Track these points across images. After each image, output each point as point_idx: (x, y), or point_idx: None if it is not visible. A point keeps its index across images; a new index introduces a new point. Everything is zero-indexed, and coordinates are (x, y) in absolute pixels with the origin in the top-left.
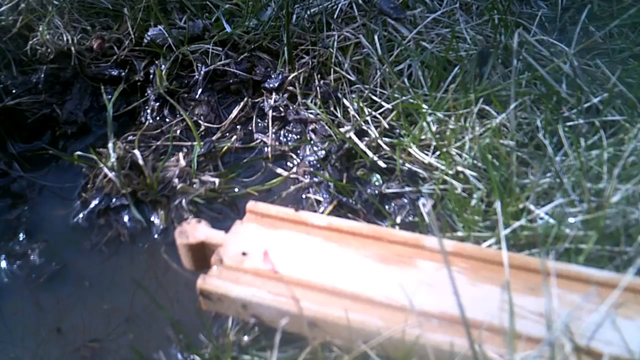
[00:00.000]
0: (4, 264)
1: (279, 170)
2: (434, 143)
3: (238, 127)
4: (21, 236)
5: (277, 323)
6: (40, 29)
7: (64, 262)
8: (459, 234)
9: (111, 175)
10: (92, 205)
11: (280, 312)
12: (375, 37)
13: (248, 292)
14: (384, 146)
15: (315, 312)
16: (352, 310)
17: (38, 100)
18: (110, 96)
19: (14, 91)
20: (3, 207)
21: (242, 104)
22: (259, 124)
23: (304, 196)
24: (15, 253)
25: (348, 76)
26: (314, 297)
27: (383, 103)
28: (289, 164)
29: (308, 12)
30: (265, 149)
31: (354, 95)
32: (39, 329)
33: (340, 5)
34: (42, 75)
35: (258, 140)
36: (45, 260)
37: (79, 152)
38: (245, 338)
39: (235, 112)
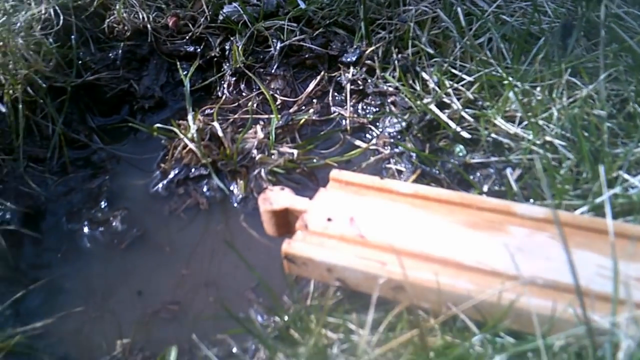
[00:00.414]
0: (86, 230)
1: (358, 142)
2: (519, 114)
3: (314, 100)
4: (103, 204)
5: (362, 287)
6: (117, 7)
7: (144, 229)
8: (549, 202)
9: (192, 145)
10: (171, 175)
11: (367, 275)
12: (456, 10)
13: (334, 255)
14: (468, 117)
15: (403, 275)
16: (441, 274)
17: (116, 76)
18: (186, 72)
19: (93, 67)
20: (84, 176)
21: (318, 78)
22: (336, 98)
23: (384, 167)
24: (97, 220)
25: (427, 49)
26: (402, 261)
27: (464, 76)
28: (367, 135)
29: None
30: (343, 121)
31: (433, 69)
32: (121, 292)
33: None
34: (120, 52)
35: (335, 113)
36: (126, 227)
37: (158, 125)
38: (329, 302)
39: (311, 86)
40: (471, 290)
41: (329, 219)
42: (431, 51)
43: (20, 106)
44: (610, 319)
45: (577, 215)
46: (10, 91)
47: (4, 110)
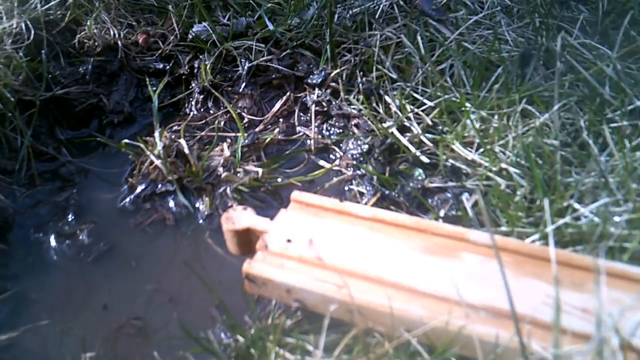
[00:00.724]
0: (53, 243)
1: (322, 163)
2: (477, 140)
3: (280, 120)
4: (70, 217)
5: (319, 308)
6: (88, 23)
7: (111, 243)
8: (503, 229)
9: (157, 162)
10: (138, 190)
11: (324, 297)
12: (418, 37)
13: (292, 277)
14: (427, 142)
15: (359, 299)
16: (395, 299)
17: (85, 90)
18: (155, 88)
19: (62, 81)
20: (52, 189)
21: (284, 98)
22: (302, 118)
23: (346, 188)
24: (64, 233)
25: (390, 74)
26: (357, 284)
27: (425, 101)
28: (331, 156)
29: (350, 12)
30: (308, 141)
31: (395, 93)
32: (86, 305)
33: (381, 5)
34: (90, 67)
35: (300, 133)
36: (93, 240)
37: (126, 140)
38: (288, 321)
39: (277, 105)
40: (423, 316)
41: (289, 240)
42: (394, 76)
43: None
44: (552, 350)
45: (527, 243)
46: None
47: None
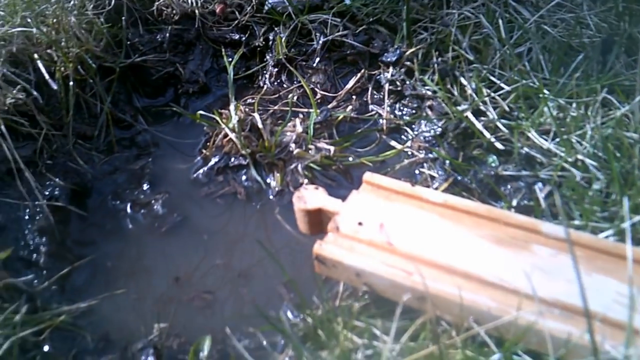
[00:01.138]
0: (129, 211)
1: (393, 143)
2: (553, 129)
3: (353, 97)
4: (145, 186)
5: (388, 293)
6: None
7: (184, 214)
8: (576, 222)
9: (232, 135)
10: (211, 162)
11: (393, 283)
12: (497, 17)
13: (362, 261)
14: (502, 128)
15: (427, 287)
16: (464, 288)
17: (162, 58)
18: (230, 59)
19: (140, 48)
20: (129, 157)
21: (358, 75)
22: (375, 96)
23: (417, 171)
24: (140, 201)
25: (466, 55)
26: (426, 271)
27: (502, 85)
28: (403, 137)
29: None
30: (380, 120)
31: (471, 75)
32: (159, 276)
33: None
34: (167, 35)
35: (373, 112)
36: (167, 211)
37: (201, 112)
38: (356, 304)
39: (351, 82)
40: (492, 307)
41: (360, 223)
42: (471, 57)
43: (71, 84)
44: (623, 349)
45: (601, 239)
46: (62, 68)
47: (55, 87)
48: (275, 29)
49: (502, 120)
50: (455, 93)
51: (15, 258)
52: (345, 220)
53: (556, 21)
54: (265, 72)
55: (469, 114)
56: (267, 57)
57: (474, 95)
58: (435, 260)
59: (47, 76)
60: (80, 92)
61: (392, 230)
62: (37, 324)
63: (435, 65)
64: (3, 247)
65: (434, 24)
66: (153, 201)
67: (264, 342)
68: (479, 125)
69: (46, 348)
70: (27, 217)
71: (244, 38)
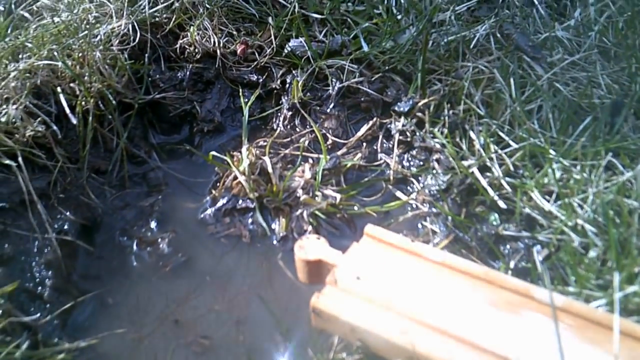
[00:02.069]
0: (135, 248)
1: (399, 194)
2: (556, 190)
3: (364, 144)
4: (153, 224)
5: (381, 351)
6: (191, 29)
7: (188, 255)
8: (571, 288)
9: (241, 179)
10: (219, 204)
11: (387, 342)
12: (510, 73)
13: (358, 317)
14: (506, 186)
15: (421, 348)
16: (456, 353)
17: (181, 96)
18: (247, 99)
19: (161, 85)
20: (140, 193)
21: (370, 123)
22: (384, 145)
23: (420, 224)
24: (146, 239)
25: (477, 109)
26: (421, 332)
27: (510, 142)
28: (409, 188)
29: (445, 39)
30: (388, 170)
31: (481, 129)
32: (160, 317)
33: (478, 35)
34: (188, 73)
35: (381, 161)
36: (172, 250)
37: (214, 152)
38: (349, 359)
39: (363, 130)
40: None
41: (358, 277)
42: (482, 112)
43: (90, 118)
44: None
45: (592, 308)
46: (83, 103)
47: (74, 121)
48: (293, 72)
49: (507, 178)
50: (464, 147)
51: (21, 290)
52: (343, 274)
53: (568, 80)
54: (279, 114)
55: (475, 170)
56: (283, 99)
57: (481, 150)
58: (430, 321)
59: (67, 110)
60: (99, 126)
61: (390, 287)
62: None
63: (446, 118)
64: (10, 279)
65: (448, 76)
66: (159, 239)
67: None
68: (483, 182)
69: None
70: (35, 250)
71: (261, 79)
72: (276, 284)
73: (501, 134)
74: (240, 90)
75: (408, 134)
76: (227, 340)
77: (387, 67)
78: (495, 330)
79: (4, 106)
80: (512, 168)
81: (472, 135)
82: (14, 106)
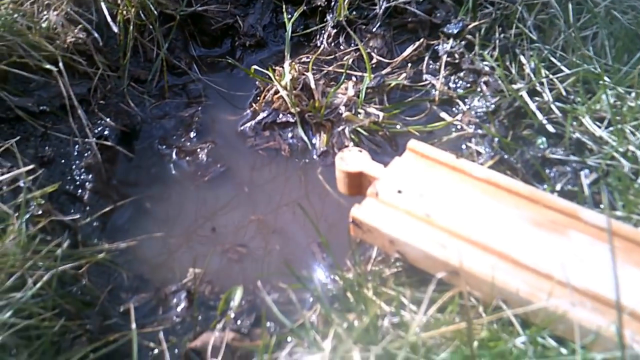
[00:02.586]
0: (174, 157)
1: (443, 115)
2: (609, 117)
3: (409, 65)
4: (192, 134)
5: (420, 263)
6: None
7: (227, 165)
8: (618, 213)
9: (283, 93)
10: (260, 117)
11: (426, 254)
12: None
13: (398, 229)
14: (556, 111)
15: (461, 262)
16: (497, 268)
17: (223, 10)
18: (290, 16)
19: None
20: (179, 104)
21: (417, 43)
22: (430, 66)
23: (464, 145)
24: (186, 149)
25: (530, 34)
26: (461, 246)
27: (562, 67)
28: (454, 110)
29: None
30: (433, 91)
31: (532, 54)
32: (197, 224)
33: None
34: None
35: (426, 82)
36: (211, 160)
37: (255, 66)
38: (387, 271)
39: (408, 50)
40: (522, 290)
41: (399, 191)
42: (534, 36)
43: (131, 28)
44: None
45: None
46: (124, 12)
47: (116, 29)
48: None
49: (557, 103)
50: (513, 71)
51: (61, 192)
52: (385, 187)
53: (627, 8)
54: (323, 32)
55: (524, 94)
56: (327, 17)
57: (531, 75)
58: (471, 236)
59: (108, 18)
60: (139, 36)
61: (431, 201)
62: (77, 258)
63: (497, 41)
64: (50, 181)
65: (501, 0)
66: (199, 150)
67: (293, 298)
68: (532, 106)
69: (84, 282)
70: (75, 153)
71: None
72: (315, 197)
73: (553, 59)
74: (284, 6)
75: (456, 55)
76: (264, 249)
77: None
78: (539, 248)
79: (45, 12)
80: (563, 93)
81: (523, 59)
82: (55, 12)
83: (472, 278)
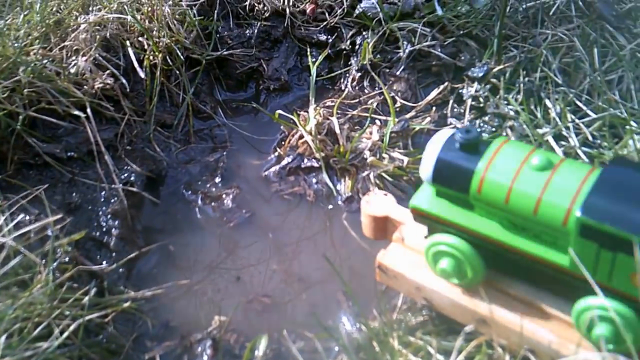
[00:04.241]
0: (200, 202)
1: None
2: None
3: (433, 108)
4: (217, 179)
5: (447, 311)
6: None
7: (252, 211)
8: None
9: (308, 138)
10: (284, 162)
11: (453, 302)
12: (592, 43)
13: (424, 276)
14: (582, 156)
15: (489, 310)
16: (526, 317)
17: (248, 53)
18: (315, 59)
19: (229, 42)
20: (205, 149)
21: (441, 87)
22: (455, 110)
23: None
24: (211, 194)
25: (555, 77)
26: (489, 293)
27: (589, 112)
28: None
29: (523, 5)
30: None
31: (557, 97)
32: (222, 272)
33: (557, 2)
34: (256, 31)
35: (451, 126)
36: (236, 206)
37: (280, 111)
38: (413, 319)
39: (433, 94)
40: (552, 341)
41: (426, 237)
42: (559, 80)
43: (158, 73)
44: None
45: None
46: (151, 57)
47: (142, 75)
48: (364, 33)
49: (584, 148)
50: (538, 115)
51: (87, 238)
52: (411, 232)
53: None
54: (348, 75)
55: (549, 138)
56: (352, 61)
57: (557, 119)
58: (498, 283)
59: (135, 63)
60: (165, 81)
61: None
62: (103, 307)
63: (521, 85)
64: (77, 227)
65: (525, 43)
66: (224, 195)
67: (319, 347)
68: (559, 151)
69: (109, 330)
70: (102, 200)
71: (330, 40)
72: (340, 244)
73: (579, 103)
74: (308, 49)
75: (481, 99)
76: (289, 298)
77: (461, 32)
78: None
79: (74, 57)
80: (590, 137)
81: (548, 103)
82: (84, 58)
83: (500, 327)
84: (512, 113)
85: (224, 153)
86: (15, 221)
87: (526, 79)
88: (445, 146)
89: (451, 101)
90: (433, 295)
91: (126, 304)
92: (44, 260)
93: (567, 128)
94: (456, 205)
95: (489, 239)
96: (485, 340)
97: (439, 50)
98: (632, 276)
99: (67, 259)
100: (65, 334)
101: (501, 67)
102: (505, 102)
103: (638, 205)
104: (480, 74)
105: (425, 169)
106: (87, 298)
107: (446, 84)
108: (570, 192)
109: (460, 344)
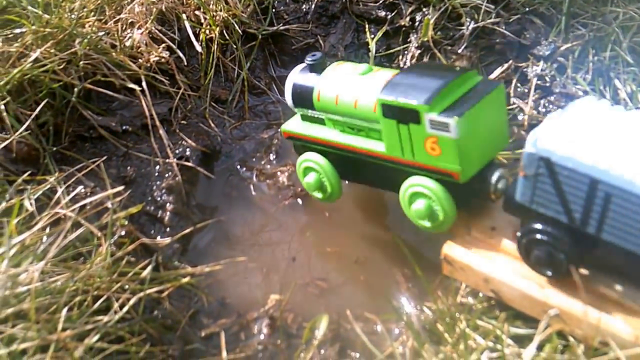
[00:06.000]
0: (255, 179)
1: None
2: None
3: None
4: (272, 156)
5: (515, 303)
6: None
7: None
8: None
9: None
10: None
11: (522, 294)
12: None
13: (492, 267)
14: None
15: (560, 302)
16: (599, 308)
17: (305, 29)
18: (373, 36)
19: (285, 17)
20: (259, 125)
21: (505, 65)
22: (518, 89)
23: None
24: (266, 171)
25: (625, 56)
26: (558, 285)
27: None
28: None
29: None
30: (521, 115)
31: (627, 77)
32: (277, 251)
33: None
34: (313, 6)
35: (514, 105)
36: (292, 184)
37: None
38: (478, 305)
39: (496, 72)
40: (626, 331)
41: (493, 228)
42: (630, 59)
43: (214, 47)
44: None
45: None
46: (207, 31)
47: (199, 48)
48: (424, 9)
49: None
50: (608, 96)
51: (142, 212)
52: (478, 224)
53: None
54: (406, 52)
55: None
56: (412, 37)
57: (627, 99)
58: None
59: (192, 37)
60: (221, 55)
61: None
62: (161, 282)
63: (590, 64)
64: (132, 201)
65: (595, 21)
66: (279, 172)
67: (379, 328)
68: None
69: (166, 306)
70: (156, 174)
71: (389, 16)
72: (400, 225)
73: None
74: (367, 26)
75: (547, 78)
76: (346, 280)
77: (526, 9)
78: None
79: (129, 30)
80: None
81: (618, 83)
82: (139, 31)
83: (572, 318)
84: (580, 93)
85: (279, 130)
86: (72, 194)
87: (595, 58)
88: (299, 73)
89: (514, 80)
90: (502, 287)
91: (185, 280)
92: (101, 233)
93: (638, 109)
94: (314, 123)
95: (334, 143)
96: (557, 331)
97: (503, 27)
98: (426, 143)
99: (123, 233)
100: (125, 308)
101: (569, 45)
102: (574, 81)
103: (418, 88)
104: (547, 53)
105: (287, 96)
106: (146, 271)
107: (510, 62)
108: (379, 88)
109: (529, 332)
